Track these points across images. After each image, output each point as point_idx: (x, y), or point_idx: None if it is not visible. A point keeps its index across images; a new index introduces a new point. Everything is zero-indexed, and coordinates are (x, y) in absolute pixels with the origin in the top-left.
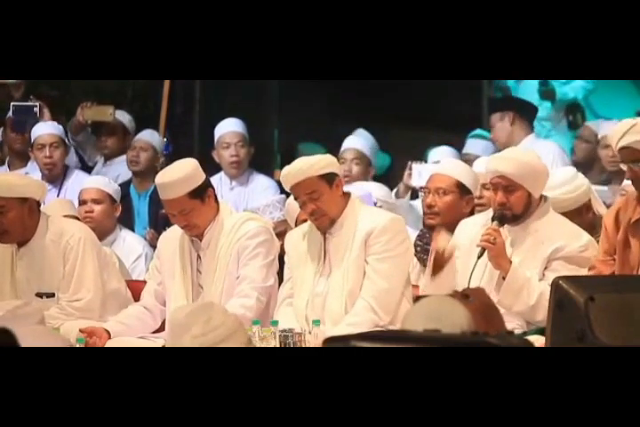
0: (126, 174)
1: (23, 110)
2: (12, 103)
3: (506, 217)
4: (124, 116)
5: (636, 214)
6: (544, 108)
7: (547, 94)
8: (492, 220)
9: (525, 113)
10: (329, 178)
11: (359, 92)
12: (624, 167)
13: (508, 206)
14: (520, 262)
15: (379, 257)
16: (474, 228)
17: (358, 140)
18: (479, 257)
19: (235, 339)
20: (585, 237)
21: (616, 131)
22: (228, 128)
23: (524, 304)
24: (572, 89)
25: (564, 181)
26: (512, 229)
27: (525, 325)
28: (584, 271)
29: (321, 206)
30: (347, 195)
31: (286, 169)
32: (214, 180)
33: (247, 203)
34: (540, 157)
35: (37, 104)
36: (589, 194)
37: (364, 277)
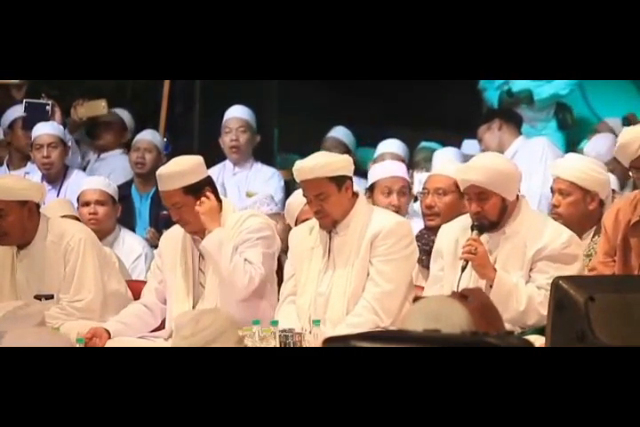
0: (120, 170)
1: (35, 108)
2: (25, 100)
3: (484, 225)
4: (123, 113)
5: (635, 216)
6: (528, 109)
7: (523, 101)
8: (472, 229)
9: (511, 118)
10: (339, 180)
11: (359, 92)
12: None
13: (483, 214)
14: (504, 267)
15: (383, 259)
16: (453, 232)
17: (400, 146)
18: (463, 269)
19: (225, 338)
20: (565, 233)
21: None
22: (232, 114)
23: (514, 310)
24: (552, 87)
25: (596, 161)
26: (491, 234)
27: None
28: (570, 268)
29: (326, 208)
30: (355, 195)
31: (299, 164)
32: (218, 167)
33: (249, 186)
34: (530, 152)
35: (49, 103)
36: (603, 189)
37: (367, 278)
